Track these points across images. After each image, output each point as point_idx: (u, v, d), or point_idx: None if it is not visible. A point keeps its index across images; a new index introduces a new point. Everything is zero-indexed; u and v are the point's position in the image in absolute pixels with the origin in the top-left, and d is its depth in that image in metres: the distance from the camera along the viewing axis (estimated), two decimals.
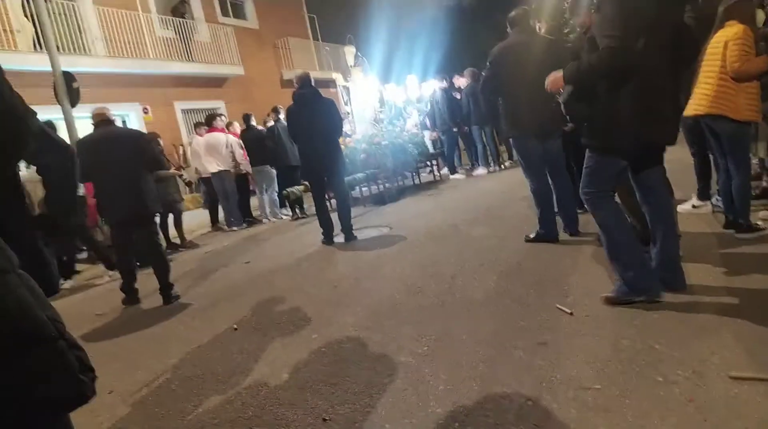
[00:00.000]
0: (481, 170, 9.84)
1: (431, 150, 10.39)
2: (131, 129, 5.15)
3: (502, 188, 7.56)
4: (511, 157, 9.92)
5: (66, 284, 6.22)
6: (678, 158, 3.52)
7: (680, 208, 4.20)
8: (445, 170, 10.71)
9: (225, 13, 15.78)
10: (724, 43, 3.42)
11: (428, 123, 10.55)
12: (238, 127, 9.26)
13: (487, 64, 4.22)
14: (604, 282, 3.12)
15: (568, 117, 2.79)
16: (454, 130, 9.95)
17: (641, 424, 1.79)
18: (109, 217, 4.92)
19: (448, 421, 2.03)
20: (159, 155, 4.94)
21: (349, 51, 9.83)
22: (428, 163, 10.38)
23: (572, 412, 1.93)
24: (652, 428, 1.76)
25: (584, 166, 2.81)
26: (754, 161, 4.43)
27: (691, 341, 2.27)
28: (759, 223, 3.60)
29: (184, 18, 13.25)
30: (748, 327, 2.32)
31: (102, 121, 4.74)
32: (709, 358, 2.11)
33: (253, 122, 8.83)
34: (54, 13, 10.18)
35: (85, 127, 6.80)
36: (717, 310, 2.54)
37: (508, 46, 4.17)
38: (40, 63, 8.74)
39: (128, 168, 4.57)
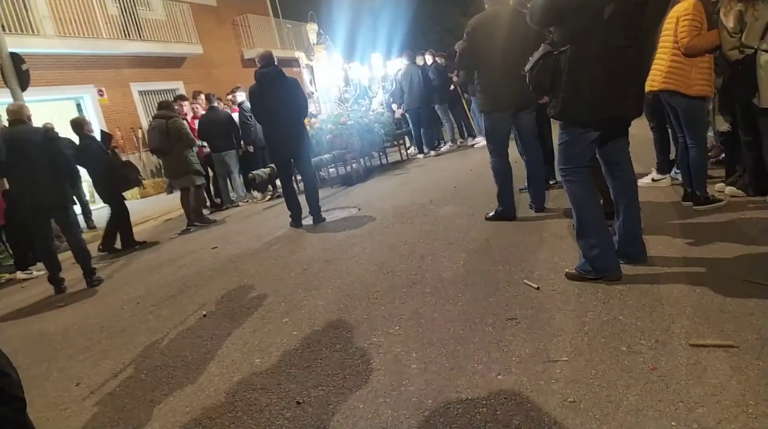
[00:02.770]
0: (447, 147, 9.89)
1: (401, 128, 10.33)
2: (41, 129, 5.38)
3: (469, 166, 7.61)
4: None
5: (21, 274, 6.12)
6: (638, 133, 3.58)
7: (640, 181, 4.31)
8: (411, 149, 10.70)
9: None
10: (676, 18, 3.48)
11: (392, 102, 10.49)
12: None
13: (464, 35, 4.17)
14: (569, 257, 3.20)
15: (531, 86, 2.79)
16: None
17: (607, 394, 1.85)
18: (26, 208, 5.07)
19: (421, 398, 2.06)
20: (66, 151, 5.17)
21: (311, 28, 9.60)
22: (395, 142, 10.35)
23: (541, 385, 1.98)
24: (617, 397, 1.82)
25: (558, 141, 2.84)
26: (710, 134, 4.57)
27: (653, 311, 2.36)
28: (716, 194, 3.73)
29: None
30: (707, 295, 2.42)
31: (16, 119, 4.98)
32: (670, 327, 2.20)
33: (215, 103, 8.47)
34: None
35: (37, 111, 6.52)
36: (677, 280, 2.64)
37: (484, 18, 4.10)
38: None
39: (40, 166, 4.82)
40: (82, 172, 6.99)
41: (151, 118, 7.68)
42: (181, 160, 6.91)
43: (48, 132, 5.31)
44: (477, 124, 10.01)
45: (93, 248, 7.20)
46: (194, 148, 7.17)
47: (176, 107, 7.69)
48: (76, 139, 6.49)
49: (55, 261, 5.14)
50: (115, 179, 6.44)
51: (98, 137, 6.79)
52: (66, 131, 7.35)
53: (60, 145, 5.13)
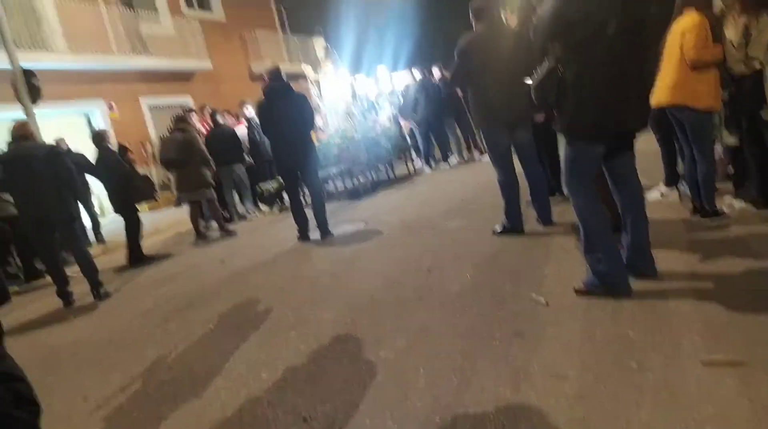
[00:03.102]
0: (454, 161, 9.91)
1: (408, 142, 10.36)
2: (45, 145, 5.49)
3: (476, 180, 7.60)
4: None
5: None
6: (645, 146, 3.58)
7: (648, 195, 4.30)
8: (419, 163, 10.72)
9: (190, 5, 15.43)
10: (681, 32, 3.48)
11: (399, 115, 10.54)
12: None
13: (455, 56, 4.23)
14: (577, 271, 3.17)
15: (537, 102, 2.80)
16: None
17: (617, 411, 1.83)
18: (28, 218, 5.11)
19: (428, 414, 2.05)
20: (70, 166, 5.26)
21: (319, 43, 9.73)
22: (403, 155, 10.37)
23: (550, 401, 1.96)
24: (627, 414, 1.80)
25: (563, 156, 2.84)
26: (718, 148, 4.55)
27: (663, 327, 2.33)
28: (724, 208, 3.71)
29: (131, 7, 12.64)
30: (717, 311, 2.40)
31: (20, 135, 5.08)
32: (680, 343, 2.17)
33: (220, 119, 8.57)
34: (10, 6, 9.79)
35: (47, 126, 6.61)
36: (686, 295, 2.61)
37: (475, 38, 4.16)
38: None
39: (44, 180, 4.91)
40: (95, 185, 7.06)
41: (168, 131, 7.69)
42: (195, 174, 6.97)
43: (53, 147, 5.41)
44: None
45: (102, 262, 7.25)
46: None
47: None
48: (88, 151, 6.57)
49: (62, 275, 5.18)
50: (130, 190, 6.51)
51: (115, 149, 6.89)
52: (76, 145, 7.44)
53: (64, 159, 5.21)
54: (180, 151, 6.87)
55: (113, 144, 6.81)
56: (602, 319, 2.53)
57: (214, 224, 7.77)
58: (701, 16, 3.46)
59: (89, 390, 2.98)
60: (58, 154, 5.25)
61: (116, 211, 6.69)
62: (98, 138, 6.51)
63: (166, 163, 7.24)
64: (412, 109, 9.78)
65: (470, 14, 4.24)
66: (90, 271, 5.19)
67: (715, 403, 1.77)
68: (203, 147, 7.12)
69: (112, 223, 11.01)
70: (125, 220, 6.54)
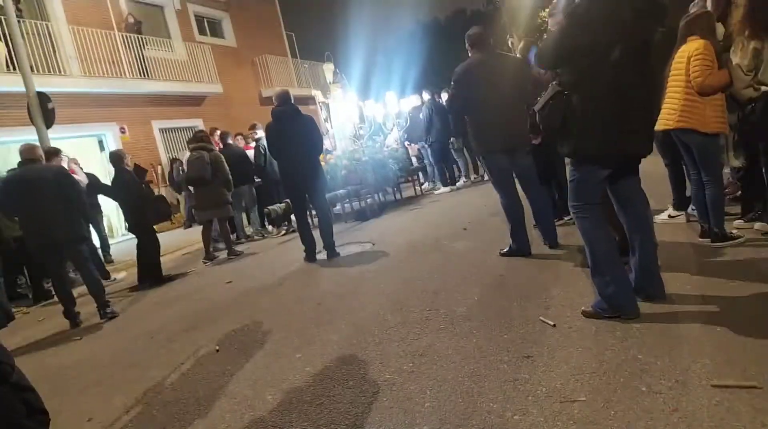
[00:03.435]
0: (461, 182, 9.95)
1: (415, 163, 10.44)
2: (53, 166, 5.59)
3: (483, 201, 7.60)
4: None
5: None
6: (652, 169, 3.59)
7: (657, 218, 4.28)
8: (426, 185, 10.78)
9: (202, 32, 15.80)
10: (687, 58, 3.51)
11: (405, 138, 10.65)
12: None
13: (451, 83, 4.30)
14: (585, 294, 3.15)
15: (542, 126, 2.82)
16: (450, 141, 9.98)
17: None
18: (33, 239, 5.15)
19: None
20: (79, 188, 5.49)
21: (328, 68, 9.89)
22: (410, 178, 10.43)
23: (558, 426, 1.93)
24: None
25: (569, 178, 2.85)
26: (726, 171, 4.54)
27: (673, 350, 2.30)
28: (734, 232, 3.68)
29: (140, 34, 12.92)
30: (727, 335, 2.36)
31: (28, 158, 5.14)
32: (690, 367, 2.14)
33: (230, 140, 8.71)
34: (27, 32, 10.06)
35: (60, 148, 6.70)
36: (696, 318, 2.58)
37: (470, 65, 4.24)
38: (13, 83, 8.62)
39: (52, 201, 4.97)
40: (105, 205, 7.12)
41: (188, 151, 7.75)
42: (217, 192, 7.07)
43: (61, 169, 5.50)
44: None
45: (109, 282, 7.27)
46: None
47: None
48: (100, 173, 6.65)
49: (69, 296, 5.20)
50: (148, 211, 6.57)
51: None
52: (88, 166, 7.52)
53: (73, 180, 5.31)
54: (205, 168, 6.99)
55: (130, 165, 6.86)
56: (611, 342, 2.50)
57: (221, 245, 7.80)
58: (707, 41, 3.49)
59: (93, 411, 2.96)
60: (67, 175, 5.35)
61: (132, 231, 6.74)
62: (116, 158, 6.57)
63: (195, 180, 7.26)
64: (426, 130, 9.82)
65: (466, 43, 4.32)
66: (97, 291, 5.24)
67: (727, 428, 1.73)
68: (227, 167, 7.20)
69: (122, 241, 11.13)
70: (140, 240, 6.57)
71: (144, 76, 12.81)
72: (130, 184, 6.48)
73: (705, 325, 2.49)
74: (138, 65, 12.69)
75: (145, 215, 6.53)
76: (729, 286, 2.92)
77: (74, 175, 6.08)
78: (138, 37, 12.84)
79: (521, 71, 4.15)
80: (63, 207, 5.01)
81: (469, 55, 4.32)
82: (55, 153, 6.18)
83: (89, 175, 8.16)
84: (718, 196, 3.63)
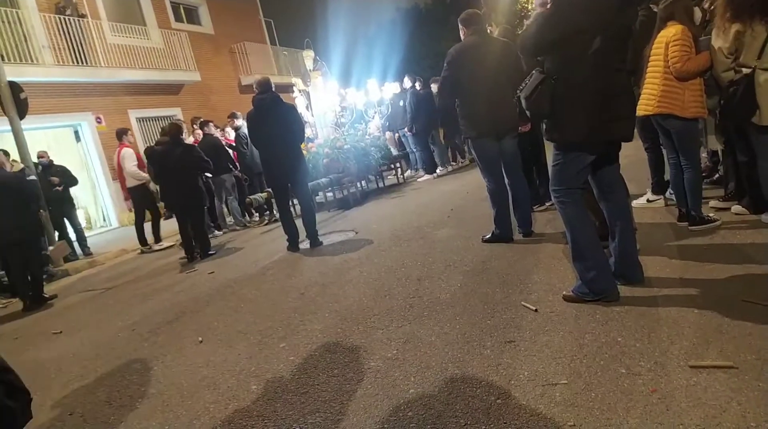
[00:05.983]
0: (439, 170, 9.99)
1: (394, 152, 10.43)
2: (13, 173, 6.29)
3: (465, 189, 7.64)
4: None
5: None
6: (632, 153, 3.62)
7: (635, 202, 4.34)
8: (409, 172, 10.81)
9: (178, 19, 15.48)
10: (665, 43, 3.54)
11: (387, 127, 10.63)
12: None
13: (444, 65, 4.26)
14: (566, 278, 3.19)
15: (528, 113, 2.83)
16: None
17: (607, 417, 1.83)
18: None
19: (419, 424, 2.03)
20: (39, 192, 6.32)
21: (308, 55, 9.74)
22: (392, 166, 10.42)
23: (540, 408, 1.96)
24: (617, 420, 1.80)
25: (552, 163, 2.87)
26: (703, 155, 4.61)
27: (652, 333, 2.34)
28: (711, 215, 3.75)
29: (67, 15, 11.65)
30: (705, 316, 2.41)
31: None
32: (669, 349, 2.18)
33: (210, 129, 8.56)
34: None
35: (34, 139, 6.56)
36: (674, 301, 2.63)
37: (465, 47, 4.21)
38: None
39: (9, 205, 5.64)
40: (85, 199, 7.01)
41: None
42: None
43: (21, 174, 6.19)
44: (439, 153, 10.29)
45: (90, 275, 7.19)
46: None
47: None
48: (78, 163, 6.62)
49: (27, 290, 5.82)
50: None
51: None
52: (64, 157, 7.36)
53: (34, 184, 6.19)
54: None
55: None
56: (592, 325, 2.54)
57: (218, 232, 7.85)
58: (684, 27, 3.52)
59: (75, 405, 2.93)
60: (26, 180, 6.05)
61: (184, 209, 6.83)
62: (176, 130, 6.85)
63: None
64: (412, 118, 9.75)
65: (459, 25, 4.28)
66: (36, 286, 5.96)
67: (705, 407, 1.78)
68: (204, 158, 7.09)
69: (100, 232, 10.95)
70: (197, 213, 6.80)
71: (119, 64, 12.49)
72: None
73: (683, 307, 2.54)
74: (113, 53, 12.35)
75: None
76: (706, 268, 2.98)
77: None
78: (113, 24, 12.50)
79: (514, 56, 4.14)
80: (20, 211, 5.64)
81: (462, 37, 4.28)
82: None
83: (59, 167, 8.05)
84: (696, 180, 3.69)
